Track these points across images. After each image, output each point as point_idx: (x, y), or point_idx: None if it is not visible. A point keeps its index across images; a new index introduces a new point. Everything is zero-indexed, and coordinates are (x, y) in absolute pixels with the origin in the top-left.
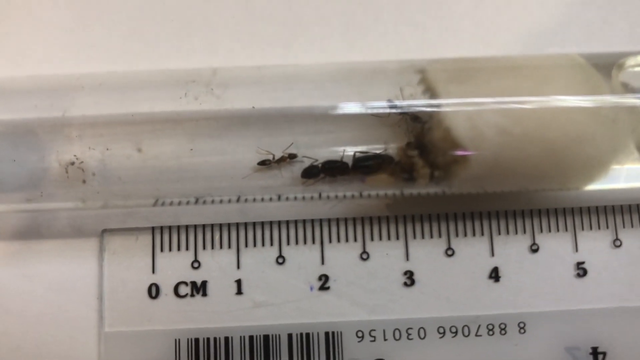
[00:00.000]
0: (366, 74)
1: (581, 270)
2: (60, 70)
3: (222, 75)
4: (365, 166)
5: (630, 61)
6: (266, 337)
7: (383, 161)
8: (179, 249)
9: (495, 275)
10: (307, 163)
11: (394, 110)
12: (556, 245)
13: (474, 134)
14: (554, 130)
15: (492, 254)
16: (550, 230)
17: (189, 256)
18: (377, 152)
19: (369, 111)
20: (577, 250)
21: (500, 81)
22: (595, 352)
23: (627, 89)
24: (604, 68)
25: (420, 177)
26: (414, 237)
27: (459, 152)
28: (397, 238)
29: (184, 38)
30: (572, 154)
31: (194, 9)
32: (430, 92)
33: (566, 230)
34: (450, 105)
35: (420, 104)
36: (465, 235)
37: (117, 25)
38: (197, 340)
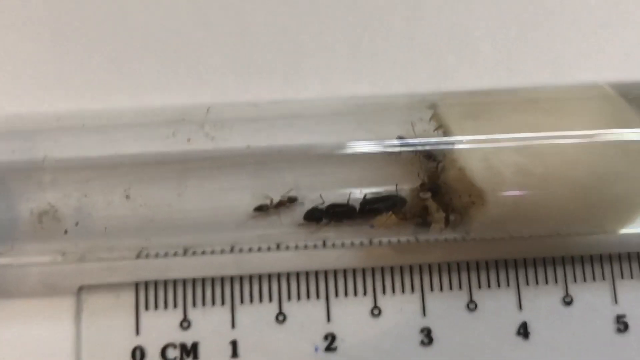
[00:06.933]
0: (373, 109)
1: (622, 325)
2: (30, 108)
3: (215, 112)
4: (374, 209)
5: None
6: None
7: (394, 203)
8: (165, 306)
9: (524, 331)
10: (309, 207)
11: (405, 148)
12: (592, 297)
13: (490, 174)
14: (580, 168)
15: (520, 308)
16: (585, 280)
17: (177, 315)
18: (388, 193)
19: (378, 149)
20: (616, 301)
21: (519, 116)
22: None
23: None
24: (635, 99)
25: (435, 221)
26: (431, 289)
27: (474, 194)
28: (412, 291)
29: (170, 70)
30: (602, 194)
31: (182, 37)
32: (443, 129)
33: (603, 279)
34: (464, 142)
35: (433, 141)
36: (489, 286)
37: (95, 57)
38: None
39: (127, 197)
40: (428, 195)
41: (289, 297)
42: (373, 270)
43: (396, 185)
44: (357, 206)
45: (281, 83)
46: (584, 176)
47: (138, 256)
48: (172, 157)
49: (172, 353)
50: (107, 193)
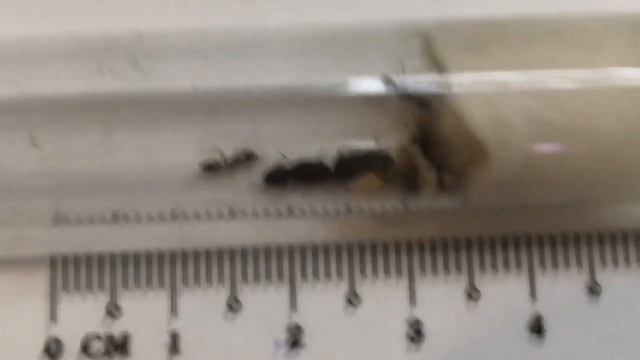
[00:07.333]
0: (352, 41)
1: None
2: None
3: (150, 41)
4: (351, 169)
5: None
6: None
7: (376, 161)
8: (89, 288)
9: (538, 327)
10: (271, 165)
11: (391, 91)
12: (625, 285)
13: (495, 124)
14: (609, 117)
15: (534, 297)
16: (617, 264)
17: (103, 299)
18: (369, 149)
19: (357, 92)
20: None
21: (532, 50)
22: None
23: None
24: None
25: (425, 183)
26: (423, 272)
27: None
28: (399, 274)
29: None
30: (637, 150)
31: None
32: (437, 65)
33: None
34: (464, 83)
35: (425, 82)
36: (495, 269)
37: None
38: None
39: (36, 145)
40: (417, 150)
41: (245, 280)
42: (350, 246)
43: (376, 137)
44: (331, 165)
45: (237, 6)
46: (614, 127)
47: (54, 223)
48: (96, 98)
49: (97, 346)
50: (10, 141)
